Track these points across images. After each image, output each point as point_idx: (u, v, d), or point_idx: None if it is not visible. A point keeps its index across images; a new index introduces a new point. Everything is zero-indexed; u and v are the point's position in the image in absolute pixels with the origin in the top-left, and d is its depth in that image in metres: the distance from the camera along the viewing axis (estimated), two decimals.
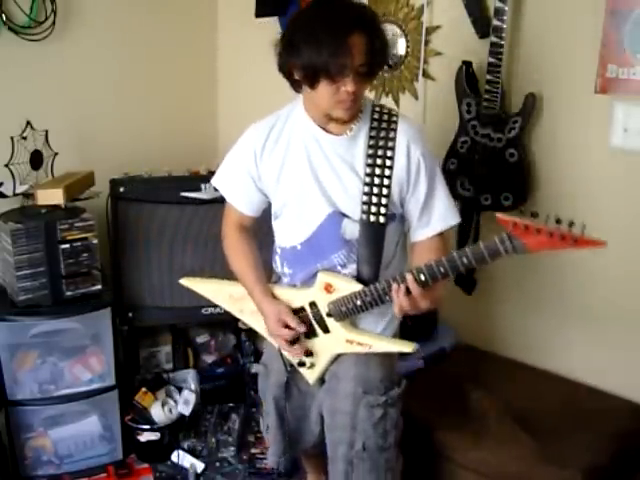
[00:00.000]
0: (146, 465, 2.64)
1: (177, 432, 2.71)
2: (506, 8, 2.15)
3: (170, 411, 2.67)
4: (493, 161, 2.31)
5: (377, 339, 1.79)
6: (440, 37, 2.48)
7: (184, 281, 2.10)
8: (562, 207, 2.23)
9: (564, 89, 2.22)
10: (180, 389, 2.77)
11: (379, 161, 1.67)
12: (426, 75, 2.53)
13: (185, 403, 2.71)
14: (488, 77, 2.23)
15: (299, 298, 1.82)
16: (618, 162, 2.15)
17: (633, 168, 2.12)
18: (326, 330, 1.80)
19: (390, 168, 1.67)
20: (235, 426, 2.79)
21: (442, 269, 1.55)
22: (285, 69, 1.65)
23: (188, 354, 2.98)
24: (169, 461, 2.66)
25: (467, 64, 2.32)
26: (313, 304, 1.79)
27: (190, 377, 2.83)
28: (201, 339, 3.04)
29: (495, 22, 2.17)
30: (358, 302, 1.70)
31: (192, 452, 2.68)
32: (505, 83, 2.26)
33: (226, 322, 3.01)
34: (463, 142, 2.38)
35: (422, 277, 1.58)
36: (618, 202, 2.18)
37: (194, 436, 2.74)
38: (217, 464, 2.65)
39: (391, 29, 2.56)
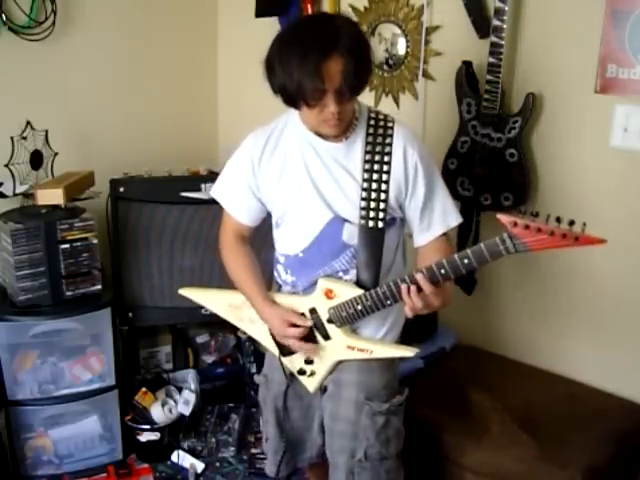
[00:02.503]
0: (146, 465, 2.64)
1: (177, 432, 2.72)
2: (506, 8, 2.15)
3: (170, 411, 2.67)
4: (493, 161, 2.31)
5: (378, 344, 1.78)
6: (440, 37, 2.47)
7: (183, 291, 2.07)
8: (562, 207, 2.25)
9: (564, 89, 2.22)
10: (180, 389, 2.77)
11: (376, 166, 1.66)
12: (426, 75, 2.53)
13: (185, 403, 2.71)
14: (488, 77, 2.23)
15: (300, 305, 1.79)
16: (618, 162, 2.15)
17: (633, 168, 2.12)
18: (327, 337, 1.78)
19: (387, 173, 1.66)
20: (235, 426, 2.79)
21: (443, 271, 1.53)
22: (270, 86, 1.61)
23: (188, 354, 2.98)
24: (169, 461, 2.67)
25: (467, 64, 2.33)
26: (313, 310, 1.77)
27: (190, 377, 2.83)
28: (201, 339, 3.04)
29: (495, 22, 2.17)
30: (359, 307, 1.68)
31: (192, 452, 2.69)
32: (505, 83, 2.26)
33: (226, 322, 3.00)
34: (463, 142, 2.38)
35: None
36: (618, 202, 2.18)
37: (194, 436, 2.74)
38: (217, 464, 2.66)
39: (391, 29, 2.57)
